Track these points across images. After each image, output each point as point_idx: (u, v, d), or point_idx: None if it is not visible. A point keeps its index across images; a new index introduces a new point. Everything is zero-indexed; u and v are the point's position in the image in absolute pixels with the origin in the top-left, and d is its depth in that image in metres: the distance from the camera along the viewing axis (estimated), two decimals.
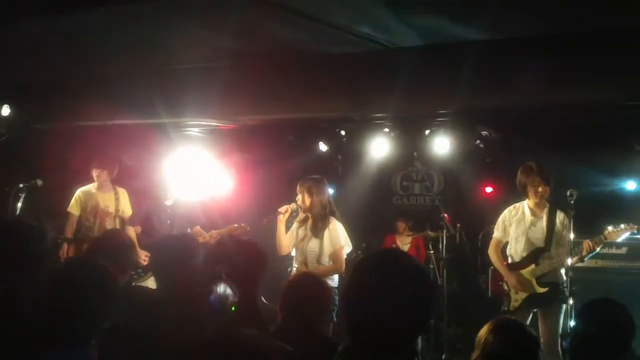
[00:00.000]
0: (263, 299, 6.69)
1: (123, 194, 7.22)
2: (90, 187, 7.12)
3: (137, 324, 2.91)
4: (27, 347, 2.39)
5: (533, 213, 5.56)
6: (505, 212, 5.71)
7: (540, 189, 5.44)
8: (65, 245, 6.94)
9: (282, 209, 5.63)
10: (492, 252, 5.72)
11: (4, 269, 2.88)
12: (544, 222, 5.49)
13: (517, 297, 5.52)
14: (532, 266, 5.47)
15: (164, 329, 2.87)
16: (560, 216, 5.45)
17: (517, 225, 5.60)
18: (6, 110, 7.52)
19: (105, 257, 3.23)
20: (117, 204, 7.13)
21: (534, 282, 5.45)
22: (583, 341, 3.03)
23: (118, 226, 7.05)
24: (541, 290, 5.44)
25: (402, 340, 1.89)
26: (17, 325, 2.54)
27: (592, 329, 3.00)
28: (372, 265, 2.03)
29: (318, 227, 5.54)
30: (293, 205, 5.66)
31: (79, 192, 7.10)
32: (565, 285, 5.26)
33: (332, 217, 5.59)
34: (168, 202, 6.82)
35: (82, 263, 2.83)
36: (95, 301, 2.47)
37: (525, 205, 5.60)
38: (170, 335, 2.80)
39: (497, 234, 5.72)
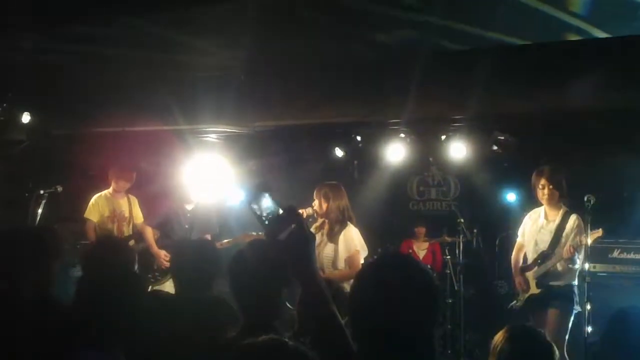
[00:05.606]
0: (287, 304, 6.71)
1: (134, 200, 7.27)
2: (106, 193, 7.14)
3: (156, 327, 2.95)
4: (61, 346, 2.46)
5: (546, 217, 5.58)
6: (526, 216, 5.76)
7: (545, 192, 5.44)
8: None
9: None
10: (513, 255, 5.81)
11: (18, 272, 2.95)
12: (554, 226, 5.50)
13: (521, 297, 5.63)
14: (536, 267, 5.53)
15: (183, 332, 2.91)
16: (572, 220, 5.42)
17: (530, 228, 5.66)
18: (26, 117, 7.61)
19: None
20: (130, 209, 7.18)
21: (533, 282, 5.53)
22: (615, 348, 2.99)
23: (131, 231, 7.10)
24: (537, 291, 5.50)
25: (409, 345, 1.89)
26: (41, 327, 2.60)
27: (626, 335, 2.96)
28: (375, 270, 2.04)
29: (334, 231, 5.55)
30: (309, 210, 5.67)
31: (96, 198, 7.08)
32: (565, 289, 5.30)
33: (348, 223, 5.60)
34: (189, 206, 6.83)
35: (115, 269, 2.88)
36: (126, 306, 2.54)
37: (542, 210, 5.61)
38: (189, 339, 2.84)
39: (519, 238, 5.80)
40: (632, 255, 6.50)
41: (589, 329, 4.89)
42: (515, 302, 5.67)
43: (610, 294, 5.92)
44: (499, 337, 2.64)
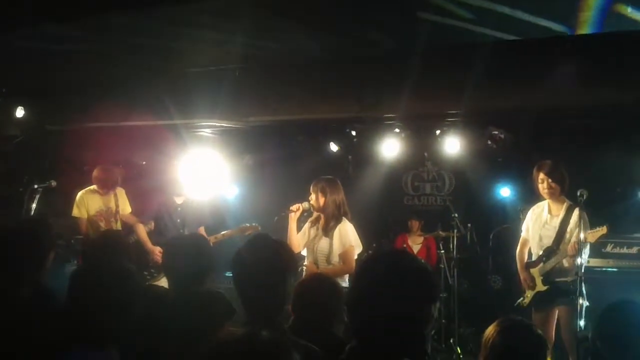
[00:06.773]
0: None
1: (121, 192, 7.23)
2: (92, 188, 7.10)
3: (150, 323, 2.95)
4: (52, 346, 2.44)
5: (550, 211, 5.50)
6: (530, 211, 5.68)
7: (544, 186, 5.39)
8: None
9: (294, 207, 5.65)
10: (517, 251, 5.72)
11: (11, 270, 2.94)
12: (558, 220, 5.42)
13: (528, 295, 5.55)
14: (541, 264, 5.46)
15: (177, 327, 2.91)
16: (575, 215, 5.31)
17: (534, 223, 5.58)
18: (20, 112, 7.59)
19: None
20: (117, 203, 7.13)
21: (539, 279, 5.45)
22: (606, 343, 3.00)
23: (119, 225, 7.06)
24: (543, 288, 5.43)
25: (406, 340, 1.91)
26: (36, 324, 2.59)
27: (617, 330, 2.98)
28: (373, 266, 2.05)
29: (329, 226, 5.56)
30: (305, 204, 5.67)
31: (81, 195, 7.03)
32: (572, 285, 5.20)
33: (344, 218, 5.60)
34: (179, 201, 6.81)
35: (109, 265, 2.86)
36: (121, 302, 2.52)
37: (546, 204, 5.55)
38: (184, 333, 2.85)
39: (523, 233, 5.72)
40: (625, 250, 6.54)
41: (581, 322, 4.90)
42: (522, 299, 5.58)
43: (603, 288, 5.94)
44: (490, 331, 2.66)
